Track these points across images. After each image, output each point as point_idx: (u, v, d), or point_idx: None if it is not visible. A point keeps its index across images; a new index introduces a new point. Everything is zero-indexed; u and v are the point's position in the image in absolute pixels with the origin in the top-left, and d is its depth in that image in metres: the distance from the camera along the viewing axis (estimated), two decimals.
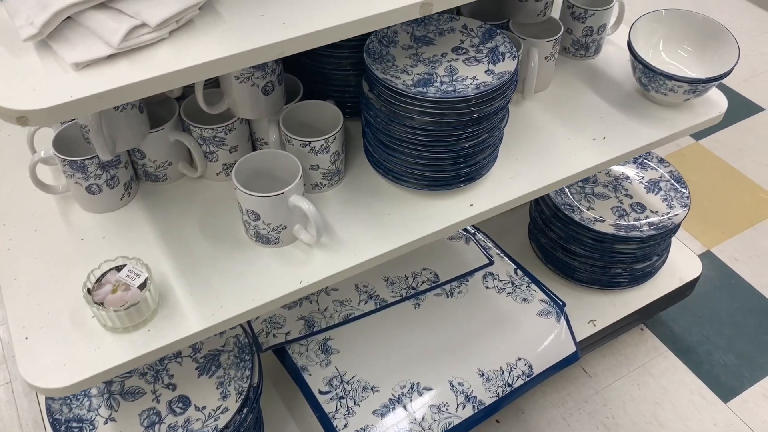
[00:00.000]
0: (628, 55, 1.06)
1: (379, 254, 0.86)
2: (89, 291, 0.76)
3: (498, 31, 0.89)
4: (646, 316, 1.36)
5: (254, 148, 0.97)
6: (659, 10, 1.08)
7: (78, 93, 0.60)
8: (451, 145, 0.85)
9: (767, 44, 2.35)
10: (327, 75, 0.97)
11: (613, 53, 1.18)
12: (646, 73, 1.02)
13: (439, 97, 0.80)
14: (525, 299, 1.21)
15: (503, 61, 0.86)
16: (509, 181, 0.94)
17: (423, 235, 0.88)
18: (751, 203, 1.79)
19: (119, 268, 0.78)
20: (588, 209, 1.25)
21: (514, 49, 0.86)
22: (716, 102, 1.08)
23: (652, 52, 1.08)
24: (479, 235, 1.33)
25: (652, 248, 1.25)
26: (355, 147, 0.99)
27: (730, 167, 1.89)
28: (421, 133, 0.84)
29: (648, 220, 1.24)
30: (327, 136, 0.87)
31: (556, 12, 1.14)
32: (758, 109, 2.09)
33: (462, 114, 0.82)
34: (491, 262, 1.26)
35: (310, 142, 0.87)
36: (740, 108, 2.07)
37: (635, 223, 1.23)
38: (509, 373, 1.13)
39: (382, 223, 0.89)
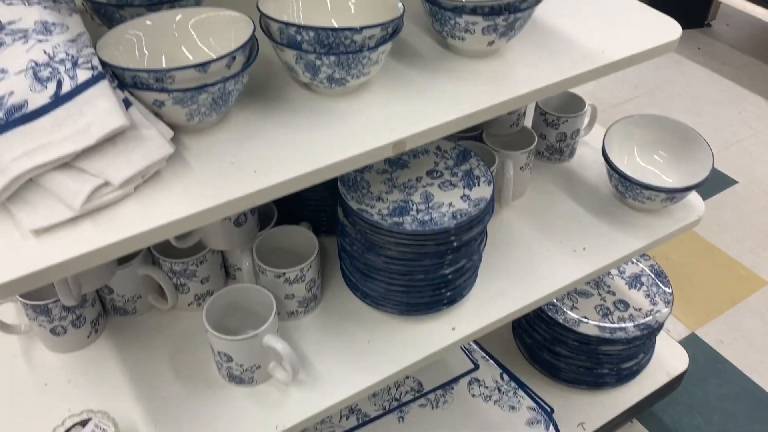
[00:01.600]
0: (603, 158, 1.06)
1: (359, 390, 0.82)
2: None
3: (472, 153, 0.89)
4: (635, 413, 1.33)
5: (227, 275, 0.94)
6: (632, 116, 1.09)
7: (37, 264, 0.57)
8: (430, 273, 0.83)
9: (736, 116, 2.40)
10: (301, 196, 0.95)
11: (587, 155, 1.18)
12: (622, 182, 1.01)
13: (416, 230, 0.78)
14: (512, 407, 1.18)
15: (479, 185, 0.85)
16: (491, 301, 0.92)
17: (404, 366, 0.85)
18: (732, 281, 1.79)
19: (84, 423, 0.74)
20: (571, 309, 1.23)
21: (489, 173, 0.85)
22: (694, 205, 1.07)
23: (627, 158, 1.08)
24: None
25: (638, 348, 1.23)
26: (331, 266, 0.97)
27: (709, 244, 1.89)
28: (400, 263, 0.82)
29: (633, 322, 1.21)
30: (302, 266, 0.85)
31: (528, 119, 1.14)
32: (732, 182, 2.11)
33: (441, 244, 0.80)
34: (476, 367, 1.23)
35: (284, 273, 0.84)
36: (714, 182, 2.10)
37: (620, 324, 1.21)
38: None
39: (362, 352, 0.86)
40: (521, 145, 1.04)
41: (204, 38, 0.73)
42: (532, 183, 1.11)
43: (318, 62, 0.70)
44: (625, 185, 1.01)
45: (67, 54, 0.65)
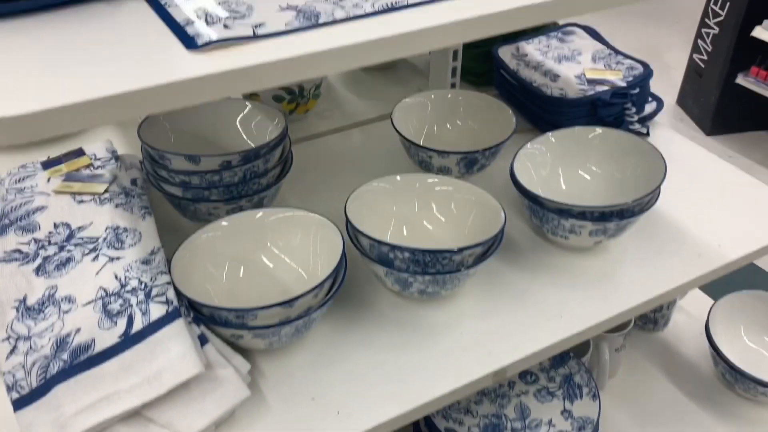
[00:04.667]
0: (702, 329, 0.96)
1: None
2: None
3: (570, 354, 0.79)
4: None
5: None
6: (739, 292, 0.99)
7: None
8: None
9: None
10: None
11: (682, 324, 1.07)
12: (732, 372, 0.90)
13: None
14: None
15: (581, 398, 0.75)
16: None
17: None
18: None
19: None
20: None
21: (593, 383, 0.76)
22: None
23: (733, 338, 0.97)
24: None
25: None
26: None
27: None
28: None
29: None
30: None
31: None
32: None
33: None
34: None
35: None
36: None
37: None
38: None
39: None
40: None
41: (283, 241, 0.67)
42: (625, 358, 1.01)
43: (411, 279, 0.62)
44: (734, 376, 0.90)
45: (140, 282, 0.59)
